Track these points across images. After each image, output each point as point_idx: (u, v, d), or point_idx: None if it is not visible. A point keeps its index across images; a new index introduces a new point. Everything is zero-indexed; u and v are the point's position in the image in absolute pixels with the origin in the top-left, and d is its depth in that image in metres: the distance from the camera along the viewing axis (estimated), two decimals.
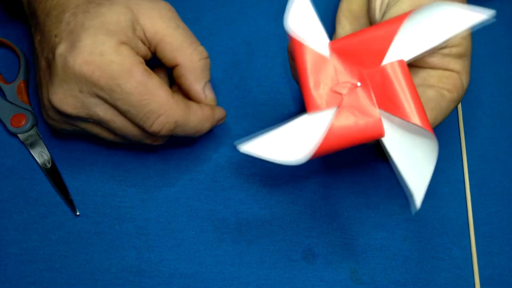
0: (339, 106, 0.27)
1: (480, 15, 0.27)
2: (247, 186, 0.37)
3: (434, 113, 0.30)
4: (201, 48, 0.33)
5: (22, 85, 0.38)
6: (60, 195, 0.36)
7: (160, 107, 0.30)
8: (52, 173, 0.36)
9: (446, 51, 0.30)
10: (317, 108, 0.27)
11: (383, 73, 0.27)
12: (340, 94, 0.27)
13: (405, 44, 0.27)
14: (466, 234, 0.36)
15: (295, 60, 0.28)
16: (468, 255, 0.36)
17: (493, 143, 0.39)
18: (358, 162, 0.37)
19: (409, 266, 0.35)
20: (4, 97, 0.38)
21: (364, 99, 0.27)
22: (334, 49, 0.27)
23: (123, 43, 0.30)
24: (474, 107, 0.40)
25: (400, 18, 0.27)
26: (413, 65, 0.30)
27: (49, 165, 0.36)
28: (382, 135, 0.27)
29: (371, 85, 0.27)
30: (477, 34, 0.42)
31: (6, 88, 0.38)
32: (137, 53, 0.31)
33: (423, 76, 0.31)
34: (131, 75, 0.29)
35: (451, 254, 0.36)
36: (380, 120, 0.27)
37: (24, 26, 0.40)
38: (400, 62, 0.27)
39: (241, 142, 0.27)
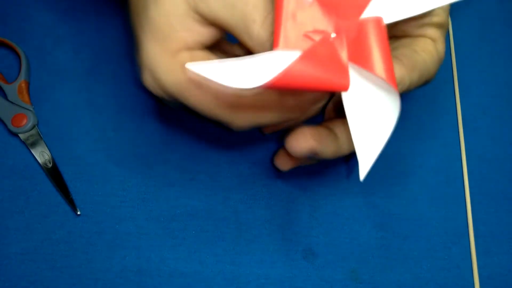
0: (306, 49, 0.25)
1: None
2: (247, 186, 0.37)
3: (412, 59, 0.29)
4: None
5: (23, 85, 0.38)
6: (61, 194, 0.36)
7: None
8: (53, 173, 0.36)
9: (426, 20, 0.30)
10: (284, 46, 0.25)
11: (359, 27, 0.26)
12: (313, 40, 0.26)
13: (386, 4, 0.27)
14: (466, 234, 0.36)
15: None
16: (467, 255, 0.36)
17: (492, 143, 0.39)
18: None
19: (408, 265, 0.35)
20: (5, 97, 0.38)
21: (335, 49, 0.26)
22: None
23: (180, 49, 0.28)
24: (473, 106, 0.40)
25: None
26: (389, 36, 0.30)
27: (50, 165, 0.36)
28: (347, 88, 0.25)
29: (346, 37, 0.26)
30: (477, 34, 0.43)
31: (7, 88, 0.38)
32: (199, 47, 0.28)
33: (396, 44, 0.31)
34: (196, 87, 0.27)
35: (451, 253, 0.36)
36: (347, 73, 0.25)
37: (25, 26, 0.40)
38: (378, 19, 0.26)
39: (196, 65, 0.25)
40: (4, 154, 0.37)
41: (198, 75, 0.25)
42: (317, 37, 0.26)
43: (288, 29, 0.26)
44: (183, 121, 0.38)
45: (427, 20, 0.30)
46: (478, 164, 0.38)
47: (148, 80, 0.29)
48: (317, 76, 0.25)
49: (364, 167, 0.27)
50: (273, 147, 0.38)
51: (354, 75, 0.27)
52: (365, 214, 0.36)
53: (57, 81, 0.39)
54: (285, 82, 0.24)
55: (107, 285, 0.34)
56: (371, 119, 0.27)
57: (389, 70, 0.26)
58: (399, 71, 0.28)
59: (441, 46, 0.31)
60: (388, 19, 0.27)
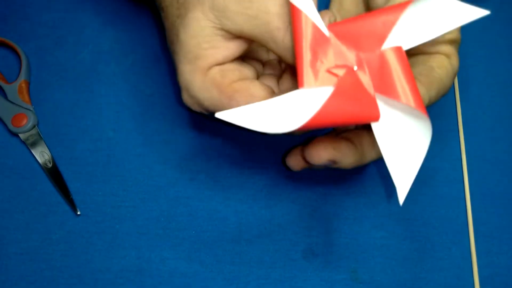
0: (334, 86, 0.26)
1: (479, 11, 0.27)
2: (247, 186, 0.37)
3: (429, 78, 0.30)
4: None
5: (23, 85, 0.38)
6: (61, 194, 0.36)
7: None
8: (53, 173, 0.36)
9: (439, 38, 0.30)
10: (310, 85, 0.26)
11: (381, 58, 0.27)
12: (336, 75, 0.26)
13: (405, 32, 0.27)
14: (466, 234, 0.36)
15: (293, 30, 0.26)
16: (467, 255, 0.36)
17: (493, 143, 0.39)
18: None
19: (408, 265, 0.35)
20: (5, 97, 0.38)
21: (360, 83, 0.27)
22: (333, 31, 0.27)
23: (210, 66, 0.30)
24: (473, 107, 0.40)
25: (402, 6, 0.27)
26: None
27: (50, 165, 0.36)
28: (378, 118, 0.26)
29: (369, 68, 0.27)
30: (477, 34, 0.43)
31: (7, 88, 0.38)
32: (229, 60, 0.30)
33: (411, 61, 0.31)
34: (235, 101, 0.29)
35: (451, 253, 0.36)
36: (376, 104, 0.26)
37: (25, 26, 0.40)
38: (399, 48, 0.27)
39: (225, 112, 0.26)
40: (4, 154, 0.37)
41: (234, 123, 0.25)
42: (340, 72, 0.27)
43: (310, 67, 0.26)
44: (183, 121, 0.38)
45: (440, 37, 0.30)
46: (478, 164, 0.38)
47: (186, 99, 0.31)
48: (348, 112, 0.26)
49: (402, 192, 0.27)
50: (273, 147, 0.38)
51: (382, 105, 0.27)
52: (365, 214, 0.36)
53: (57, 81, 0.39)
54: (318, 121, 0.25)
55: (107, 285, 0.34)
56: (403, 145, 0.27)
57: (416, 96, 0.26)
58: (419, 89, 0.29)
59: (455, 61, 0.32)
60: (406, 46, 0.27)
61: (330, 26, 0.27)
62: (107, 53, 0.40)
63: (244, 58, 0.32)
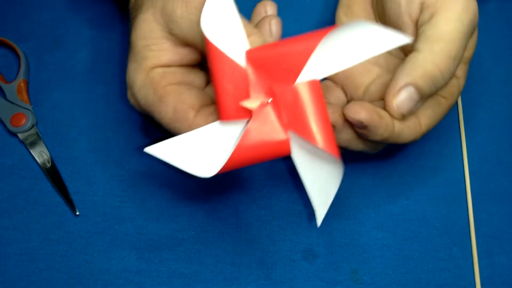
0: (248, 121, 0.26)
1: (403, 38, 0.26)
2: (247, 186, 0.37)
3: (429, 121, 0.31)
4: None
5: (22, 84, 0.38)
6: (59, 194, 0.36)
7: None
8: (52, 173, 0.36)
9: None
10: (228, 118, 0.27)
11: (294, 92, 0.26)
12: (250, 109, 0.26)
13: (323, 62, 0.26)
14: (467, 234, 0.36)
15: (209, 64, 0.27)
16: (468, 255, 0.36)
17: (494, 143, 0.39)
18: (358, 162, 0.37)
19: (409, 266, 0.35)
20: (4, 97, 0.38)
21: (273, 117, 0.26)
22: (250, 59, 0.26)
23: (154, 66, 0.30)
24: (475, 107, 0.40)
25: (321, 34, 0.25)
26: None
27: (49, 165, 0.36)
28: (289, 153, 0.27)
29: (282, 103, 0.26)
30: (478, 33, 0.42)
31: (6, 87, 0.38)
32: (176, 64, 0.31)
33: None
34: (164, 104, 0.29)
35: (452, 254, 0.35)
36: (287, 140, 0.27)
37: (24, 26, 0.40)
38: (313, 82, 0.26)
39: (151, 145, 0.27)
40: (3, 154, 0.37)
41: (160, 158, 0.27)
42: (253, 105, 0.26)
43: (227, 100, 0.26)
44: None
45: None
46: (479, 164, 0.38)
47: (129, 97, 0.31)
48: (260, 151, 0.26)
49: (319, 215, 0.29)
50: None
51: (297, 140, 0.27)
52: (365, 215, 0.36)
53: (56, 80, 0.39)
54: (232, 165, 0.26)
55: (106, 286, 0.34)
56: (318, 177, 0.28)
57: (328, 136, 0.26)
58: (416, 131, 0.30)
59: (462, 82, 0.32)
60: (323, 74, 0.27)
61: (249, 53, 0.26)
62: (106, 52, 0.40)
63: (200, 65, 0.32)
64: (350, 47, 0.26)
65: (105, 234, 0.35)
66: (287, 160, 0.37)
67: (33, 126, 0.37)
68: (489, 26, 0.43)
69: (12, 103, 0.37)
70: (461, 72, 0.32)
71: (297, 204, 0.36)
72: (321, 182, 0.28)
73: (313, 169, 0.28)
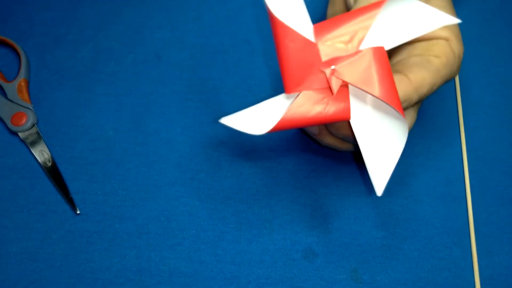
0: (313, 89, 0.27)
1: (451, 18, 0.28)
2: (247, 185, 0.37)
3: (421, 74, 0.29)
4: None
5: (22, 83, 0.38)
6: (60, 193, 0.36)
7: None
8: (53, 172, 0.36)
9: None
10: (294, 90, 0.27)
11: (360, 58, 0.27)
12: (317, 77, 0.27)
13: (382, 33, 0.28)
14: (467, 234, 0.36)
15: (274, 39, 0.27)
16: (468, 255, 0.36)
17: (494, 143, 0.39)
18: (358, 161, 0.37)
19: (409, 265, 0.35)
20: (5, 96, 0.38)
21: (338, 83, 0.27)
22: (315, 32, 0.27)
23: None
24: (474, 106, 0.40)
25: (377, 4, 0.27)
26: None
27: (49, 164, 0.36)
28: (349, 117, 0.28)
29: (346, 69, 0.27)
30: (478, 33, 0.42)
31: (7, 86, 0.38)
32: None
33: (408, 50, 0.31)
34: None
35: (451, 253, 0.35)
36: (349, 104, 0.27)
37: (25, 25, 0.40)
38: (378, 48, 0.27)
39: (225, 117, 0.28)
40: (4, 153, 0.37)
41: (230, 126, 0.28)
42: (319, 74, 0.27)
43: (294, 73, 0.27)
44: (182, 120, 0.38)
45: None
46: (479, 164, 0.38)
47: None
48: (319, 112, 0.27)
49: (379, 187, 0.28)
50: (274, 147, 0.37)
51: (359, 102, 0.28)
52: (365, 214, 0.36)
53: (57, 79, 0.39)
54: (284, 124, 0.27)
55: (107, 285, 0.34)
56: (380, 142, 0.28)
57: (394, 95, 0.27)
58: (406, 88, 0.29)
59: (455, 44, 0.31)
60: (388, 46, 0.28)
61: (315, 27, 0.27)
62: (106, 52, 0.40)
63: None
64: (405, 22, 0.28)
65: (106, 233, 0.35)
66: (287, 160, 0.37)
67: (33, 125, 0.37)
68: (489, 26, 0.43)
69: (12, 102, 0.37)
70: (445, 33, 0.31)
71: (297, 203, 0.36)
72: (383, 148, 0.28)
73: (374, 134, 0.28)
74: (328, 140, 0.33)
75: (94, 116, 0.38)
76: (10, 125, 0.37)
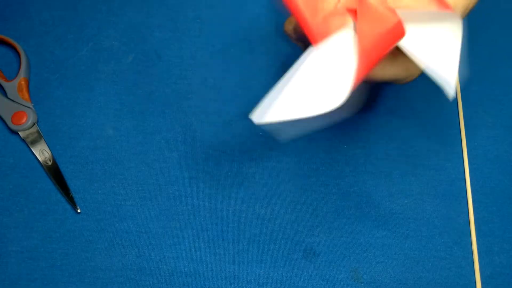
0: (354, 22, 0.24)
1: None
2: (247, 185, 0.37)
3: None
4: None
5: (23, 82, 0.38)
6: (61, 192, 0.36)
7: None
8: (53, 171, 0.36)
9: None
10: (323, 37, 0.24)
11: None
12: (348, 11, 0.24)
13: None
14: (467, 233, 0.36)
15: None
16: (469, 254, 0.36)
17: (494, 142, 0.38)
18: (358, 161, 0.37)
19: (410, 265, 0.35)
20: (5, 95, 0.38)
21: (376, 5, 0.24)
22: None
23: None
24: (475, 106, 0.40)
25: None
26: None
27: (50, 163, 0.36)
28: (404, 33, 0.24)
29: None
30: (478, 33, 0.42)
31: (7, 85, 0.38)
32: None
33: None
34: None
35: (452, 253, 0.35)
36: (400, 21, 0.24)
37: (25, 24, 0.40)
38: None
39: (255, 114, 0.23)
40: (4, 152, 0.37)
41: (278, 121, 0.23)
42: (353, 4, 0.24)
43: (313, 19, 0.24)
44: (183, 119, 0.38)
45: None
46: (480, 163, 0.38)
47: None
48: (380, 46, 0.24)
49: (450, 89, 0.26)
50: (274, 147, 0.37)
51: (405, 18, 0.25)
52: (366, 214, 0.36)
53: (57, 79, 0.39)
54: (365, 71, 0.23)
55: (107, 284, 0.34)
56: (437, 49, 0.26)
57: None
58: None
59: None
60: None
61: None
62: (106, 51, 0.40)
63: None
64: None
65: (106, 232, 0.35)
66: (287, 159, 0.37)
67: (34, 124, 0.37)
68: (489, 25, 0.43)
69: (13, 101, 0.37)
70: None
71: (298, 203, 0.36)
72: (441, 51, 0.26)
73: (429, 42, 0.26)
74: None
75: (94, 115, 0.38)
76: (10, 124, 0.37)
